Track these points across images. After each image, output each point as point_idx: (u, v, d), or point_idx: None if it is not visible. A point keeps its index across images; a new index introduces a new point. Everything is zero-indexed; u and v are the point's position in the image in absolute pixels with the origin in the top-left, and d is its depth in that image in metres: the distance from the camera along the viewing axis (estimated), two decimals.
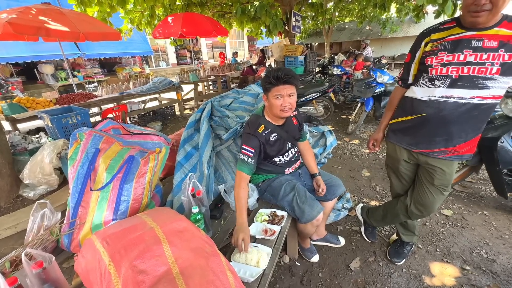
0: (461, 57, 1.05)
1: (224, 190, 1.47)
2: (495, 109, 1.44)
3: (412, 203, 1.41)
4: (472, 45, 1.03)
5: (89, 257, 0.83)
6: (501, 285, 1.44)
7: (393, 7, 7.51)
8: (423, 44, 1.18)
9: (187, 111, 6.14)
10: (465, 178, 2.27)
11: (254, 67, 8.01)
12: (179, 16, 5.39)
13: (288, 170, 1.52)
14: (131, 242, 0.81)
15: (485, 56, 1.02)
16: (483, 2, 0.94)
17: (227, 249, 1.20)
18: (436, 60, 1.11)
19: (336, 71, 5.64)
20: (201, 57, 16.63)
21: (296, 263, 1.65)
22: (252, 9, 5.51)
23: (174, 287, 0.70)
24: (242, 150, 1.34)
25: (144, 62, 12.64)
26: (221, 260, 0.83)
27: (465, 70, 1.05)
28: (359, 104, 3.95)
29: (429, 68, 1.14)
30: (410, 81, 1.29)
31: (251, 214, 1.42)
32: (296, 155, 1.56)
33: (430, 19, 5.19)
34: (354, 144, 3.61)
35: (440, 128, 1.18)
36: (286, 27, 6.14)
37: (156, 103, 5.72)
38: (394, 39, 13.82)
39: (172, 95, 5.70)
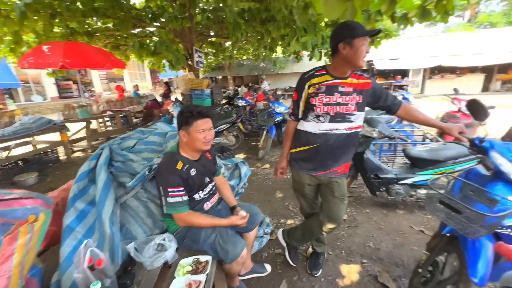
0: (334, 99, 1.36)
1: (135, 248, 1.26)
2: None
3: (325, 218, 1.60)
4: (339, 90, 1.36)
5: None
6: (387, 268, 1.82)
7: (279, 49, 9.11)
8: (306, 86, 1.43)
9: (77, 154, 5.09)
10: (350, 186, 2.84)
11: (159, 100, 7.66)
12: (58, 45, 4.61)
13: (207, 205, 1.48)
14: None
15: (347, 98, 1.36)
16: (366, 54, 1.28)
17: None
18: (318, 100, 1.38)
19: (241, 103, 6.14)
20: (93, 89, 14.53)
21: None
22: (151, 44, 5.39)
23: None
24: (171, 193, 1.27)
25: (7, 96, 9.88)
26: None
27: (338, 108, 1.37)
28: (264, 132, 4.39)
29: (314, 107, 1.40)
30: (300, 116, 1.53)
31: (171, 268, 1.27)
32: (214, 188, 1.56)
33: (306, 60, 6.56)
34: (266, 168, 3.92)
35: (329, 154, 1.47)
36: (190, 62, 6.31)
37: (29, 148, 4.46)
38: (284, 75, 16.53)
39: (54, 136, 4.62)
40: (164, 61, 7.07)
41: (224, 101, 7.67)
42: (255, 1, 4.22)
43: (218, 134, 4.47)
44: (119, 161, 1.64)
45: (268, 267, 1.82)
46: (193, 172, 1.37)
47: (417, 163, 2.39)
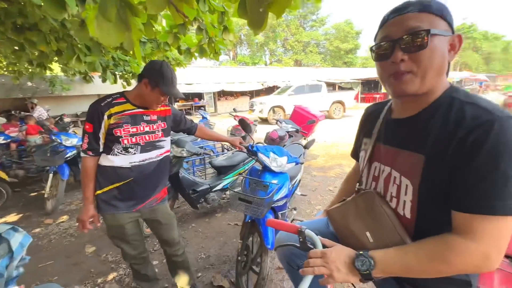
0: (141, 128, 1.34)
1: None
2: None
3: (164, 245, 1.59)
4: (145, 119, 1.36)
5: None
6: (218, 269, 2.04)
7: (57, 66, 7.15)
8: (105, 117, 1.26)
9: None
10: (173, 207, 2.87)
11: None
12: None
13: None
14: None
15: (154, 126, 1.40)
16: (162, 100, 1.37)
17: None
18: (124, 131, 1.29)
19: None
20: None
21: None
22: None
23: None
24: None
25: None
26: None
27: (147, 137, 1.37)
28: (50, 175, 3.26)
29: (120, 139, 1.28)
30: (101, 150, 1.32)
31: None
32: None
33: (99, 81, 5.71)
34: (63, 222, 2.93)
35: (146, 185, 1.41)
36: None
37: None
38: (71, 97, 13.30)
39: None
40: None
41: None
42: None
43: None
44: None
45: None
46: None
47: (221, 171, 2.91)
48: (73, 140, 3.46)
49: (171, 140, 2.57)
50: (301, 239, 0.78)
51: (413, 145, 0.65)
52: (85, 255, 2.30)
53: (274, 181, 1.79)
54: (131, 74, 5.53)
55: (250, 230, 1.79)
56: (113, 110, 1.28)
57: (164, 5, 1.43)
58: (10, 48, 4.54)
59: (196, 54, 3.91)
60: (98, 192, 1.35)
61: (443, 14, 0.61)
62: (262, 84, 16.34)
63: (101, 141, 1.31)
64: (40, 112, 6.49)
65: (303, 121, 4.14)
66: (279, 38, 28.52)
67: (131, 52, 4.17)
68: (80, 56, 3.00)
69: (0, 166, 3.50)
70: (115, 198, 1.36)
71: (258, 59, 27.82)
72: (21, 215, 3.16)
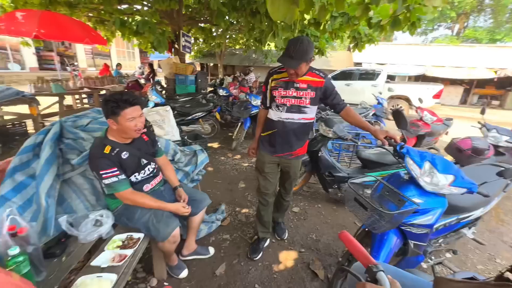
0: (290, 93, 1.58)
1: (70, 222, 1.32)
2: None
3: (281, 188, 2.00)
4: (295, 86, 1.57)
5: None
6: (321, 257, 1.98)
7: (272, 43, 9.03)
8: (270, 80, 1.66)
9: None
10: (308, 181, 2.98)
11: (142, 81, 7.51)
12: (34, 14, 4.42)
13: (147, 187, 1.56)
14: None
15: (301, 93, 1.58)
16: (292, 73, 1.47)
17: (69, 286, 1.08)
18: (278, 93, 1.60)
19: (222, 92, 6.14)
20: (76, 63, 13.91)
21: (165, 283, 1.65)
22: (133, 23, 5.23)
23: None
24: (104, 175, 1.31)
25: None
26: None
27: (293, 101, 1.59)
28: (239, 124, 4.45)
29: (275, 98, 1.62)
30: (268, 105, 1.72)
31: (104, 243, 1.34)
32: (155, 171, 1.63)
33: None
34: (236, 159, 4.01)
35: (285, 139, 1.69)
36: (176, 46, 6.18)
37: None
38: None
39: (23, 108, 4.48)
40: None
41: (209, 89, 7.65)
42: None
43: (193, 121, 4.50)
44: (70, 138, 1.67)
45: (212, 250, 1.93)
46: (125, 155, 1.41)
47: (367, 165, 2.55)
48: (258, 101, 4.40)
49: (322, 118, 2.58)
50: (368, 278, 0.58)
51: None
52: (237, 187, 3.08)
53: (418, 200, 1.33)
54: (317, 50, 5.84)
55: (363, 239, 1.53)
56: (275, 76, 1.63)
57: None
58: (247, 28, 6.14)
59: (388, 28, 3.35)
60: (262, 134, 1.80)
61: None
62: (495, 72, 11.18)
63: (268, 99, 1.70)
64: (251, 76, 8.69)
65: None
66: None
67: (320, 28, 4.30)
68: (276, 33, 3.58)
69: (219, 110, 5.24)
70: (266, 141, 1.76)
71: (504, 34, 18.62)
72: (219, 145, 4.68)
